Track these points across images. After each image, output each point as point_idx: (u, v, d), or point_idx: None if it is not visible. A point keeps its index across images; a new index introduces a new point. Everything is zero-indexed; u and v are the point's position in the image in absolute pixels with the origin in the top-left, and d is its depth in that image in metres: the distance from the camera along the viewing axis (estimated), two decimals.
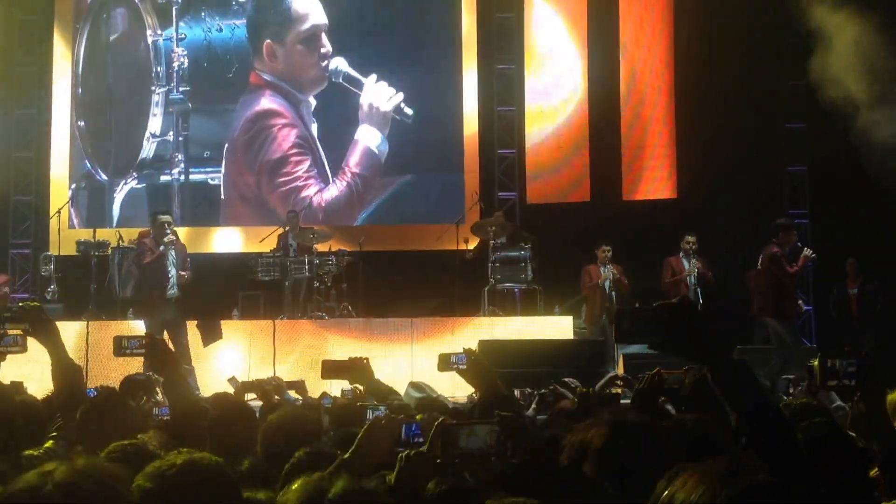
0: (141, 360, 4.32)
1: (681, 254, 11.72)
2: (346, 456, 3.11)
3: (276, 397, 6.24)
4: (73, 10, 14.68)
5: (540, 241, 12.33)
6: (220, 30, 14.40)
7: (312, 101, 14.33)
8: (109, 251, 12.35)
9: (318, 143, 14.26)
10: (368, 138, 14.22)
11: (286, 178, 14.18)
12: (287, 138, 14.19)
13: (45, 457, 3.32)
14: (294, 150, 14.19)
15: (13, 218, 14.58)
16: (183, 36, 14.39)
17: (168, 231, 10.68)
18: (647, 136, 13.82)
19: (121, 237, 12.53)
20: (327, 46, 14.24)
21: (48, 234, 13.99)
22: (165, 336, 10.13)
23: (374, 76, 14.18)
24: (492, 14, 14.44)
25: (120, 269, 12.09)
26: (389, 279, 13.08)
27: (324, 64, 14.21)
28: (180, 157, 14.28)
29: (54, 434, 3.59)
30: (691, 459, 2.54)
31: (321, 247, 12.25)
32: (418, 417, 3.38)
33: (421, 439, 3.13)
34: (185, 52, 14.35)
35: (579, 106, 13.94)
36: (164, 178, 14.33)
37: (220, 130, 14.41)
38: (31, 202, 14.63)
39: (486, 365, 4.51)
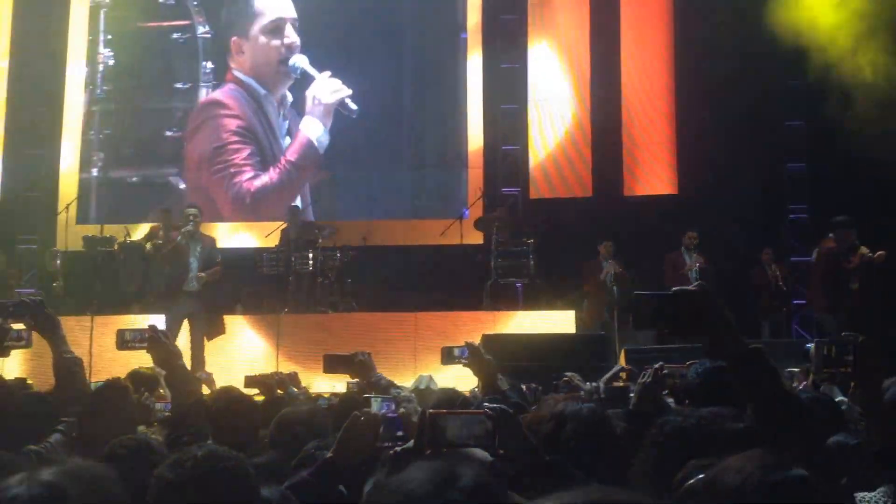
0: (145, 354, 4.34)
1: (682, 249, 11.77)
2: (329, 455, 3.09)
3: (279, 391, 6.29)
4: (89, 8, 14.88)
5: (542, 236, 12.39)
6: (146, 31, 14.68)
7: (289, 96, 14.45)
8: (116, 246, 12.44)
9: (272, 135, 14.43)
10: (310, 130, 14.43)
11: (221, 166, 14.44)
12: (227, 128, 14.45)
13: (46, 451, 3.34)
14: (234, 139, 14.43)
15: (21, 213, 14.70)
16: (110, 36, 14.73)
17: (191, 223, 10.44)
18: (648, 132, 13.89)
19: (128, 233, 12.63)
20: (292, 38, 14.45)
21: (55, 230, 14.10)
22: (185, 327, 10.24)
23: (327, 72, 14.39)
24: (497, 14, 14.53)
25: (126, 264, 12.17)
26: (393, 274, 13.14)
27: (287, 57, 14.44)
28: (97, 157, 14.70)
29: (60, 428, 3.58)
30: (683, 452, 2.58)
31: (325, 242, 12.32)
32: (400, 412, 3.30)
33: (401, 433, 3.08)
34: (112, 53, 14.71)
35: (582, 102, 14.01)
36: (83, 175, 14.74)
37: (142, 129, 14.70)
38: (40, 198, 14.75)
39: (487, 359, 4.56)
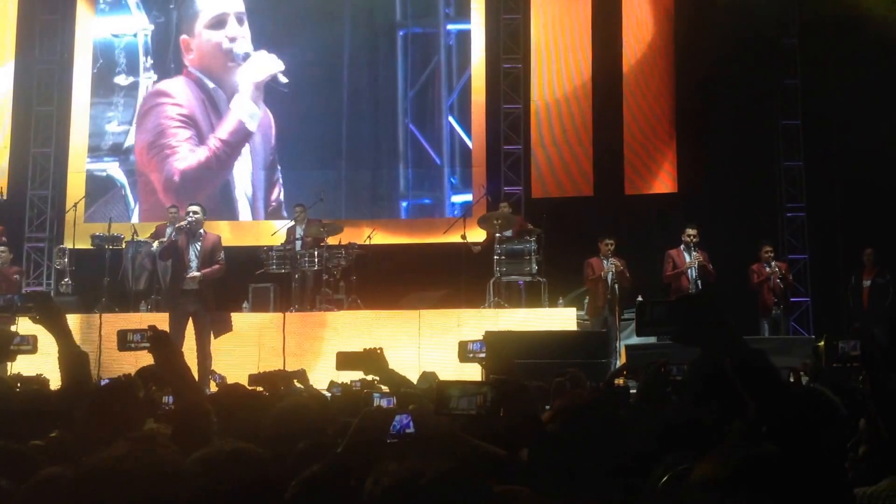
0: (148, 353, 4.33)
1: (682, 246, 11.85)
2: (339, 451, 3.09)
3: (283, 388, 6.35)
4: (94, 8, 15.05)
5: (544, 234, 12.48)
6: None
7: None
8: (123, 245, 12.51)
9: (218, 124, 14.64)
10: (239, 108, 14.64)
11: (158, 149, 14.72)
12: (167, 114, 14.72)
13: (50, 447, 3.27)
14: (174, 125, 14.67)
15: (30, 212, 14.83)
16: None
17: (190, 219, 10.46)
18: (649, 131, 14.03)
19: (135, 231, 12.73)
20: (234, 31, 14.67)
21: (63, 228, 14.23)
22: (190, 326, 10.32)
23: (263, 51, 14.62)
24: (499, 14, 14.68)
25: (133, 263, 12.25)
26: (397, 271, 13.22)
27: (231, 48, 14.66)
28: None
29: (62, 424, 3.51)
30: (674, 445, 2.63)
31: (331, 240, 12.42)
32: (410, 408, 3.33)
33: (411, 430, 3.10)
34: None
35: (583, 102, 14.14)
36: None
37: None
38: (48, 196, 14.88)
39: (506, 352, 4.48)
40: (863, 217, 12.53)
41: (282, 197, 14.65)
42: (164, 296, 11.32)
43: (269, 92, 14.64)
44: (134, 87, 14.88)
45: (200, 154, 14.61)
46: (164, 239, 11.22)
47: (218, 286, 10.72)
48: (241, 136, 14.66)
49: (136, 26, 14.95)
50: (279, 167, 14.71)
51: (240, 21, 14.76)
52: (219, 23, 14.78)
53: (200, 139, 14.64)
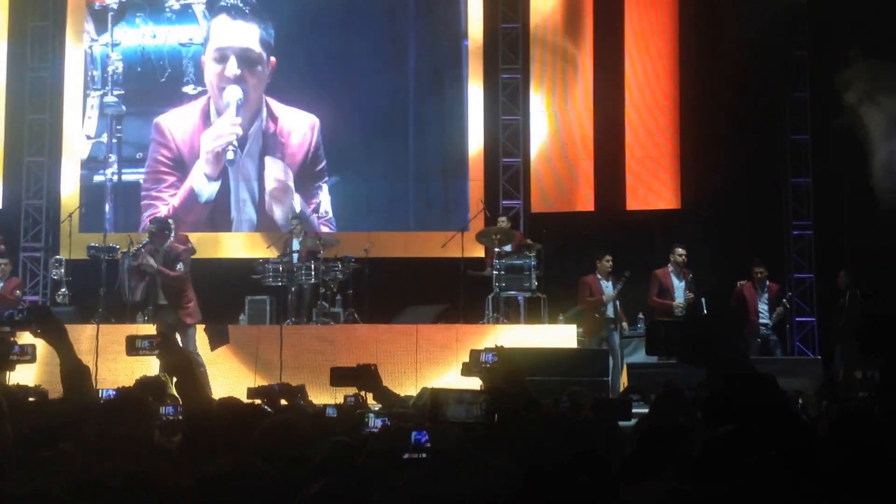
0: (150, 361, 4.33)
1: (669, 266, 11.72)
2: (356, 463, 3.12)
3: (283, 402, 6.29)
4: (85, 16, 14.91)
5: (543, 249, 12.39)
6: (154, 36, 14.77)
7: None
8: (119, 255, 12.47)
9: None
10: (193, 177, 14.48)
11: (145, 192, 14.61)
12: (154, 155, 14.59)
13: (58, 458, 3.30)
14: (160, 168, 14.55)
15: (25, 222, 14.73)
16: (118, 41, 14.77)
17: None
18: (652, 146, 13.90)
19: (131, 241, 12.65)
20: (231, 70, 14.43)
21: (59, 238, 14.14)
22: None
23: (232, 111, 14.36)
24: (497, 24, 14.54)
25: (129, 274, 12.20)
26: (394, 286, 13.14)
27: (223, 87, 14.48)
28: (114, 158, 14.70)
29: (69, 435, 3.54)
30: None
31: (327, 253, 12.34)
32: (426, 426, 3.28)
33: (428, 444, 3.11)
34: (121, 57, 14.75)
35: (584, 115, 14.05)
36: (97, 178, 14.76)
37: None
38: (43, 206, 14.78)
39: (517, 364, 4.37)
40: (872, 236, 12.39)
41: (326, 207, 14.47)
42: (156, 310, 11.32)
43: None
44: (202, 95, 14.63)
45: (184, 189, 14.45)
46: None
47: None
48: (193, 210, 14.38)
49: (203, 35, 14.71)
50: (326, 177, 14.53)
51: (241, 59, 14.54)
52: (221, 57, 14.55)
53: (185, 174, 14.46)
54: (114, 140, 14.69)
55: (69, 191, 14.61)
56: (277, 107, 14.58)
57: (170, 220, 11.54)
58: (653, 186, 13.84)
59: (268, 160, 14.51)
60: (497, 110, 14.46)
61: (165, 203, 14.43)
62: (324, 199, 14.46)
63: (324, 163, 14.51)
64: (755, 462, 2.21)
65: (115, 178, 14.68)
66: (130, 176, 14.70)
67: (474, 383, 4.73)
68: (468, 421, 2.71)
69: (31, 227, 14.76)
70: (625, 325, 11.81)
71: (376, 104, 14.53)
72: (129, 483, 2.15)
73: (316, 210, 14.11)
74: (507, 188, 14.39)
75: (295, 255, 12.45)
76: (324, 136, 14.53)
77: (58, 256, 13.70)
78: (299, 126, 14.57)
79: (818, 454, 2.32)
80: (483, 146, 14.37)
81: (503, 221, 12.79)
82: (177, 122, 14.60)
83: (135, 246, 12.37)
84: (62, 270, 13.31)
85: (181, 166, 14.50)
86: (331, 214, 14.40)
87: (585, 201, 13.92)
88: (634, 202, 13.81)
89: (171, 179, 14.51)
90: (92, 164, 14.74)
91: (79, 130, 14.77)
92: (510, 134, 14.43)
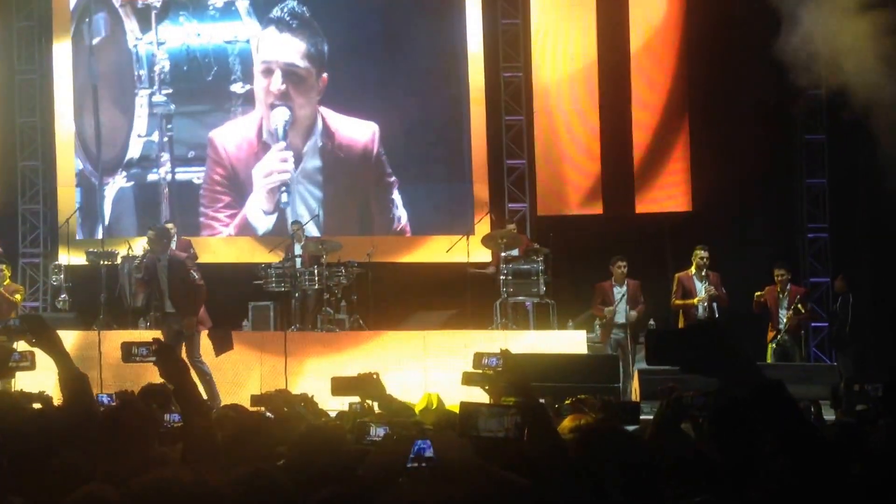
0: (155, 368, 4.26)
1: (692, 269, 11.53)
2: (359, 472, 3.16)
3: (286, 409, 6.17)
4: (70, 16, 14.81)
5: (551, 253, 12.20)
6: (199, 34, 14.62)
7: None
8: (119, 260, 12.39)
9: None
10: (249, 207, 14.36)
11: (202, 209, 14.51)
12: (209, 173, 14.47)
13: (61, 466, 3.32)
14: (216, 187, 14.43)
15: (22, 227, 14.59)
16: (163, 40, 14.65)
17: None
18: (661, 146, 13.58)
19: (130, 246, 12.57)
20: (277, 84, 14.21)
21: (57, 243, 14.03)
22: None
23: (282, 143, 14.18)
24: (497, 21, 14.24)
25: (130, 279, 12.14)
26: (399, 291, 13.01)
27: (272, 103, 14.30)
28: (166, 156, 14.62)
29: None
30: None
31: (331, 257, 12.21)
32: (430, 434, 3.41)
33: (431, 455, 3.13)
34: (167, 56, 14.62)
35: (591, 115, 13.79)
36: (151, 176, 14.70)
37: (202, 131, 14.59)
38: (40, 211, 14.64)
39: (523, 368, 4.26)
40: (889, 238, 12.15)
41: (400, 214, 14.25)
42: (153, 319, 11.38)
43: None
44: (250, 94, 14.43)
45: (240, 218, 14.31)
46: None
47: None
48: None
49: (247, 33, 14.49)
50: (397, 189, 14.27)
51: (286, 73, 14.31)
52: (267, 70, 14.35)
53: (241, 198, 14.31)
54: (164, 139, 14.63)
55: (65, 195, 14.49)
56: (334, 118, 14.31)
57: (169, 228, 11.40)
58: (662, 188, 13.55)
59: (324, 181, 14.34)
60: (500, 109, 14.13)
61: (224, 225, 14.36)
62: (398, 206, 14.25)
63: (388, 169, 14.25)
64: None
65: (170, 176, 14.62)
66: (183, 175, 14.63)
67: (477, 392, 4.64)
68: (499, 434, 2.71)
69: (30, 232, 14.64)
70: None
71: (379, 107, 14.28)
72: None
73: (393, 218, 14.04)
74: (513, 190, 14.13)
75: (298, 260, 12.37)
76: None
77: (57, 262, 13.60)
78: (360, 135, 14.32)
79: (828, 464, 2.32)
80: (486, 148, 14.07)
81: (512, 228, 12.62)
82: (229, 139, 14.43)
83: (133, 251, 12.30)
84: (62, 276, 13.26)
85: (236, 185, 14.37)
86: (405, 221, 14.20)
87: (594, 204, 13.63)
88: (643, 205, 13.54)
89: (227, 200, 14.40)
90: (144, 162, 14.67)
91: (70, 132, 14.62)
92: (514, 135, 14.15)
